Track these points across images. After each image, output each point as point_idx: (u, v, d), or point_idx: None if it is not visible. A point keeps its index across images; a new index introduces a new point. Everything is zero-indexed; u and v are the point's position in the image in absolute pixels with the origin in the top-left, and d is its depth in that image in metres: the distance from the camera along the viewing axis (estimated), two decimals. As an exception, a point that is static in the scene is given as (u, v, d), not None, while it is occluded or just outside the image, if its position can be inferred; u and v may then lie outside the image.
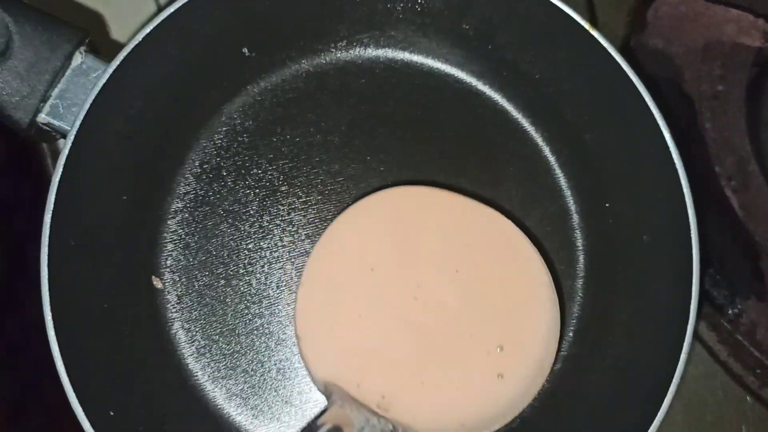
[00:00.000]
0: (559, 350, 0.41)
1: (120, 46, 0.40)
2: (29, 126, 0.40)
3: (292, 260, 0.45)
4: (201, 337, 0.44)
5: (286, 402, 0.44)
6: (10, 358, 0.41)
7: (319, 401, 0.44)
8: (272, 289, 0.45)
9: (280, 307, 0.44)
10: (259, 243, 0.45)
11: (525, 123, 0.47)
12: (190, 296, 0.44)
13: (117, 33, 0.49)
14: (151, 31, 0.41)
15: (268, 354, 0.44)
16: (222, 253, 0.45)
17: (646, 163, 0.42)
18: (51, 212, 0.39)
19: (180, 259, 0.45)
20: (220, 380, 0.44)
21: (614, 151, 0.44)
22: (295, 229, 0.45)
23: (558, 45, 0.43)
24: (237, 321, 0.44)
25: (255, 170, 0.46)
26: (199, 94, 0.45)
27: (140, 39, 0.40)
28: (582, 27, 0.41)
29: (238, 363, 0.44)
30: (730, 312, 0.44)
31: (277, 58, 0.47)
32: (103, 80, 0.40)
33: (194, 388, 0.44)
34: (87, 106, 0.40)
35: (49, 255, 0.39)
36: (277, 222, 0.45)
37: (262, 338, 0.44)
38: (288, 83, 0.47)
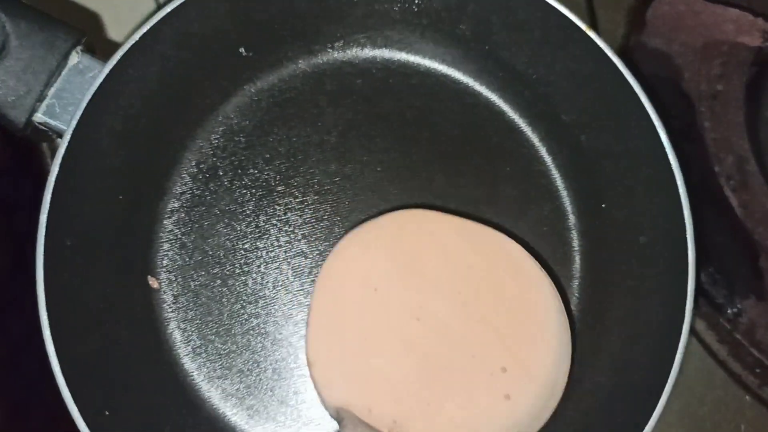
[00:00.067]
0: (571, 374, 0.40)
1: (116, 46, 0.40)
2: (25, 125, 0.40)
3: (288, 260, 0.45)
4: (197, 337, 0.44)
5: (281, 402, 0.44)
6: (11, 358, 0.41)
7: (314, 401, 0.44)
8: (268, 289, 0.45)
9: (276, 307, 0.44)
10: (255, 243, 0.45)
11: (521, 123, 0.47)
12: (186, 296, 0.44)
13: (113, 33, 0.49)
14: (148, 30, 0.41)
15: (264, 354, 0.44)
16: (218, 253, 0.45)
17: (642, 164, 0.42)
18: (47, 212, 0.39)
19: (176, 259, 0.45)
20: (216, 380, 0.44)
21: (611, 152, 0.44)
22: (291, 229, 0.45)
23: (555, 46, 0.43)
24: (233, 321, 0.44)
25: (251, 170, 0.46)
26: (196, 93, 0.45)
27: (137, 39, 0.40)
28: (578, 28, 0.41)
29: (233, 363, 0.44)
30: (729, 311, 0.44)
31: (274, 58, 0.47)
32: (100, 80, 0.40)
33: (190, 388, 0.44)
34: (83, 105, 0.40)
35: (45, 254, 0.38)
36: (274, 222, 0.45)
37: (258, 338, 0.44)
38: (285, 83, 0.47)
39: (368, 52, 0.47)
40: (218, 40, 0.45)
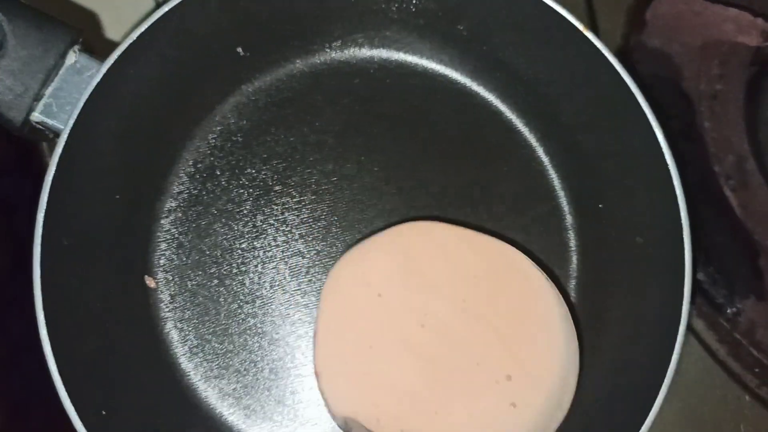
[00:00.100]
0: (579, 384, 0.40)
1: (114, 45, 0.40)
2: (22, 125, 0.40)
3: (286, 260, 0.45)
4: (194, 337, 0.44)
5: (278, 402, 0.44)
6: (12, 358, 0.41)
7: (311, 401, 0.44)
8: (265, 288, 0.45)
9: (273, 306, 0.44)
10: (252, 242, 0.45)
11: (519, 124, 0.47)
12: (183, 296, 0.44)
13: (111, 32, 0.49)
14: (145, 30, 0.41)
15: (261, 354, 0.44)
16: (215, 253, 0.45)
17: (639, 164, 0.42)
18: (44, 211, 0.39)
19: (173, 259, 0.45)
20: (213, 380, 0.44)
21: (608, 153, 0.44)
22: (288, 228, 0.45)
23: (552, 46, 0.43)
24: (230, 321, 0.44)
25: (249, 170, 0.46)
26: (193, 93, 0.45)
27: (134, 38, 0.40)
28: (576, 28, 0.41)
29: (230, 363, 0.44)
30: (728, 311, 0.44)
31: (272, 58, 0.47)
32: (97, 79, 0.40)
33: (187, 387, 0.44)
34: (81, 104, 0.40)
35: (42, 254, 0.38)
36: (271, 221, 0.45)
37: (255, 338, 0.44)
38: (282, 83, 0.47)
39: (366, 52, 0.47)
40: (216, 40, 0.45)
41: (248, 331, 0.44)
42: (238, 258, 0.45)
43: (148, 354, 0.43)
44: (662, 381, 0.37)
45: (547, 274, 0.42)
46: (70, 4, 0.49)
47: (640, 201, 0.42)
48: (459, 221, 0.45)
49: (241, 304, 0.44)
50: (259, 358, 0.44)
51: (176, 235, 0.45)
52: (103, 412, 0.39)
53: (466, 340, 0.41)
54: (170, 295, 0.44)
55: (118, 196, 0.43)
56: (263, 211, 0.46)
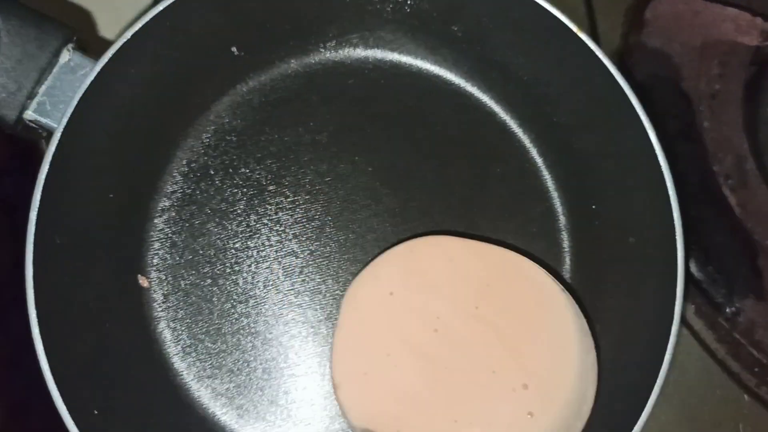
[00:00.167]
0: (598, 394, 0.40)
1: (108, 44, 0.40)
2: (16, 123, 0.40)
3: (279, 260, 0.45)
4: (187, 337, 0.44)
5: (271, 402, 0.44)
6: (14, 357, 0.41)
7: (304, 401, 0.43)
8: (259, 288, 0.45)
9: (266, 306, 0.44)
10: (246, 242, 0.45)
11: (513, 124, 0.47)
12: (176, 295, 0.44)
13: (105, 31, 0.49)
14: (140, 29, 0.41)
15: (254, 353, 0.44)
16: (209, 252, 0.45)
17: (632, 165, 0.42)
18: (37, 210, 0.39)
19: (166, 258, 0.45)
20: (206, 380, 0.44)
21: (602, 154, 0.44)
22: (282, 228, 0.45)
23: (547, 47, 0.44)
24: (223, 320, 0.44)
25: (243, 169, 0.46)
26: (188, 92, 0.45)
27: (128, 37, 0.40)
28: (570, 29, 0.41)
29: (223, 362, 0.44)
30: (728, 310, 0.44)
31: (266, 57, 0.47)
32: (91, 78, 0.40)
33: (179, 387, 0.43)
34: (74, 103, 0.39)
35: (34, 252, 0.38)
36: (265, 221, 0.45)
37: (249, 338, 0.44)
38: (277, 83, 0.47)
39: (360, 53, 0.47)
40: (211, 39, 0.45)
41: (241, 331, 0.44)
42: (232, 258, 0.45)
43: (141, 353, 0.43)
44: (654, 381, 0.37)
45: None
46: (64, 3, 0.49)
47: (633, 202, 0.42)
48: (453, 222, 0.45)
49: (235, 303, 0.44)
50: (252, 358, 0.44)
51: (170, 235, 0.45)
52: (96, 412, 0.39)
53: (481, 347, 0.41)
54: (163, 294, 0.44)
55: (111, 195, 0.43)
56: (257, 210, 0.45)
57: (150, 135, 0.45)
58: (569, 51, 0.42)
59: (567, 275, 0.45)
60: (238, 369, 0.44)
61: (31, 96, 0.40)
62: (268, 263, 0.45)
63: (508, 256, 0.43)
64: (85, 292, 0.42)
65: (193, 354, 0.44)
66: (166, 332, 0.44)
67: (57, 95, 0.40)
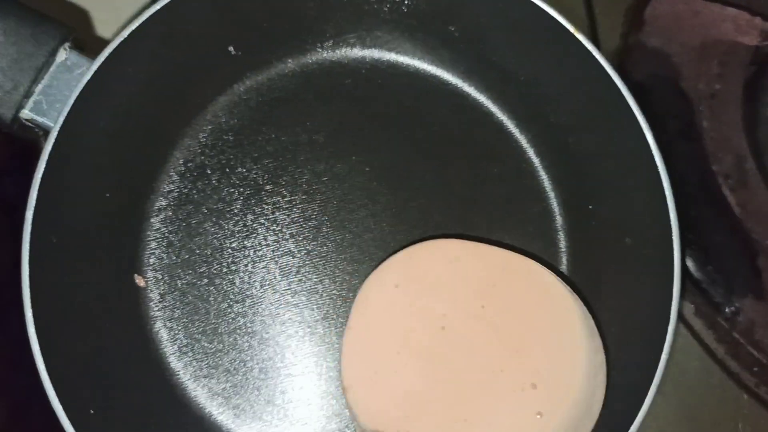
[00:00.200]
0: (607, 396, 0.40)
1: (105, 43, 0.40)
2: (12, 122, 0.40)
3: (276, 259, 0.45)
4: (183, 336, 0.44)
5: (268, 401, 0.44)
6: (15, 357, 0.41)
7: (301, 400, 0.43)
8: (255, 288, 0.45)
9: (263, 306, 0.44)
10: (242, 242, 0.45)
11: (510, 125, 0.47)
12: (173, 295, 0.44)
13: (102, 29, 0.49)
14: (137, 28, 0.40)
15: (251, 353, 0.44)
16: (205, 252, 0.45)
17: (629, 166, 0.42)
18: (33, 209, 0.39)
19: (163, 258, 0.45)
20: (202, 379, 0.44)
21: (599, 154, 0.44)
22: (279, 228, 0.45)
23: (544, 48, 0.44)
24: (219, 320, 0.44)
25: (240, 169, 0.46)
26: (185, 92, 0.45)
27: (125, 36, 0.40)
28: (567, 30, 0.41)
29: (220, 362, 0.44)
30: (727, 310, 0.44)
31: (264, 57, 0.47)
32: (88, 77, 0.40)
33: (176, 387, 0.43)
34: (71, 102, 0.39)
35: (30, 252, 0.38)
36: (262, 221, 0.45)
37: (245, 337, 0.44)
38: (274, 82, 0.47)
39: (358, 52, 0.47)
40: (208, 39, 0.44)
41: (238, 331, 0.44)
42: (228, 257, 0.45)
43: (138, 353, 0.43)
44: (651, 381, 0.38)
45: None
46: (61, 1, 0.49)
47: (630, 202, 0.42)
48: (450, 222, 0.45)
49: (231, 303, 0.44)
50: (248, 358, 0.44)
51: (166, 234, 0.45)
52: (92, 411, 0.39)
53: (487, 346, 0.41)
54: (160, 293, 0.44)
55: (108, 195, 0.43)
56: (254, 210, 0.45)
57: (147, 134, 0.44)
58: (566, 51, 0.42)
59: (563, 275, 0.45)
60: (234, 369, 0.44)
61: (27, 95, 0.40)
62: (265, 263, 0.45)
63: (514, 259, 0.43)
64: (82, 292, 0.42)
65: (190, 353, 0.44)
66: (162, 332, 0.44)
67: (53, 94, 0.40)
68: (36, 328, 0.38)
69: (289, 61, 0.47)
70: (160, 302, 0.44)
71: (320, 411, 0.44)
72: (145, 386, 0.43)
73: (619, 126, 0.41)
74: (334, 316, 0.44)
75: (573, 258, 0.45)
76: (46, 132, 0.40)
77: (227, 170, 0.46)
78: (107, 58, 0.40)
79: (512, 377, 0.40)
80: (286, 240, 0.45)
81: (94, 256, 0.43)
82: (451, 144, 0.47)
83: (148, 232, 0.45)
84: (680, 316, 0.46)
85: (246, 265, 0.45)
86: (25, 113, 0.40)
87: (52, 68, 0.40)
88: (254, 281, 0.45)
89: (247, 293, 0.44)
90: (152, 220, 0.45)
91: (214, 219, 0.45)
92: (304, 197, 0.46)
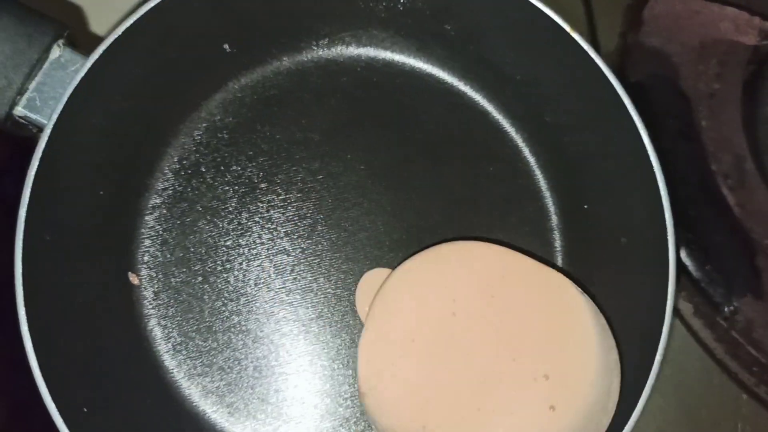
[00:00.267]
0: (622, 392, 0.40)
1: (99, 40, 0.40)
2: (5, 119, 0.40)
3: (271, 257, 0.45)
4: (177, 334, 0.44)
5: (262, 400, 0.43)
6: (15, 357, 0.41)
7: (295, 399, 0.43)
8: (250, 286, 0.44)
9: (257, 304, 0.44)
10: (237, 240, 0.45)
11: (505, 124, 0.47)
12: (167, 293, 0.44)
13: (96, 26, 0.49)
14: (131, 25, 0.40)
15: (245, 352, 0.44)
16: (200, 250, 0.45)
17: (624, 165, 0.42)
18: (26, 207, 0.38)
19: (157, 255, 0.45)
20: (196, 377, 0.43)
21: (594, 154, 0.44)
22: (274, 226, 0.45)
23: (540, 47, 0.43)
24: (214, 318, 0.44)
25: (234, 167, 0.46)
26: (179, 89, 0.45)
27: (120, 33, 0.40)
28: (563, 29, 0.41)
29: (214, 360, 0.44)
30: (726, 310, 0.44)
31: (259, 55, 0.47)
32: (81, 74, 0.39)
33: (169, 385, 0.43)
34: (64, 99, 0.39)
35: (23, 249, 0.38)
36: (256, 219, 0.45)
37: (239, 336, 0.44)
38: (269, 80, 0.47)
39: (353, 51, 0.47)
40: (202, 36, 0.44)
41: (232, 329, 0.44)
42: (223, 255, 0.45)
43: (131, 351, 0.43)
44: (645, 381, 0.38)
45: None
46: (54, -2, 0.49)
47: (625, 202, 0.42)
48: (444, 221, 0.45)
49: (226, 301, 0.44)
50: (242, 356, 0.44)
51: (160, 232, 0.45)
52: (85, 410, 0.39)
53: (499, 333, 0.41)
54: (154, 291, 0.44)
55: (101, 192, 0.43)
56: (248, 208, 0.45)
57: (141, 132, 0.44)
58: (562, 51, 0.42)
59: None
60: (228, 367, 0.44)
61: (20, 92, 0.40)
62: (260, 261, 0.45)
63: (528, 262, 0.43)
64: (76, 290, 0.41)
65: (184, 352, 0.44)
66: (156, 330, 0.44)
67: (47, 91, 0.40)
68: (29, 326, 0.37)
69: (285, 58, 0.47)
70: (154, 300, 0.44)
71: (314, 409, 0.44)
72: (138, 384, 0.43)
73: (615, 126, 0.41)
74: (329, 315, 0.44)
75: (568, 257, 0.45)
76: (40, 129, 0.40)
77: (222, 168, 0.46)
78: (101, 55, 0.40)
79: (524, 366, 0.40)
80: (281, 238, 0.45)
81: (88, 254, 0.42)
82: (447, 143, 0.47)
83: (143, 230, 0.45)
84: (679, 316, 0.46)
85: (240, 264, 0.45)
86: (19, 110, 0.40)
87: (46, 65, 0.40)
88: (249, 279, 0.45)
89: (242, 291, 0.44)
90: (146, 217, 0.45)
91: (208, 217, 0.45)
92: (299, 195, 0.46)
